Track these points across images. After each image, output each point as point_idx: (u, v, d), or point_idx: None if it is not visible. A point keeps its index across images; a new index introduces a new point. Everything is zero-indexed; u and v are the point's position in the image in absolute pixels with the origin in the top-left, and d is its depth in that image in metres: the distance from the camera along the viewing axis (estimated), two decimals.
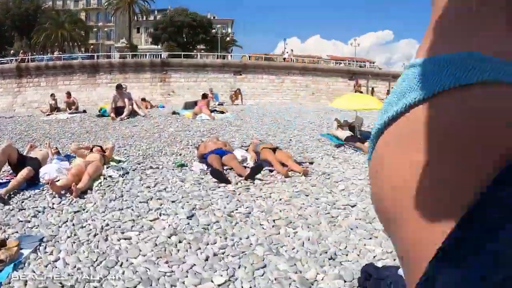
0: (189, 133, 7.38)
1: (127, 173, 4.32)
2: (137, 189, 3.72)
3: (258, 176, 4.12)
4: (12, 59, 22.58)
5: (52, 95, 12.53)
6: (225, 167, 4.45)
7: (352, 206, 3.35)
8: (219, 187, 3.82)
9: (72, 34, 38.03)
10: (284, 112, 11.65)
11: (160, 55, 26.48)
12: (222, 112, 10.53)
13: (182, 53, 25.05)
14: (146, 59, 21.63)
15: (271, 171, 4.39)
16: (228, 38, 42.92)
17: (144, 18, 43.28)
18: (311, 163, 5.10)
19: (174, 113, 10.05)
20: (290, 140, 6.86)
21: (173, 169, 4.55)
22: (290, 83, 21.58)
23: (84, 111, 11.37)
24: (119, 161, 4.91)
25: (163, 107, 12.44)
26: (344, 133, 6.72)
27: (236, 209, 3.20)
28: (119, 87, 9.97)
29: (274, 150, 5.07)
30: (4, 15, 36.68)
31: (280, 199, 3.48)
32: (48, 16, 38.38)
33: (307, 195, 3.60)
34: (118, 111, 9.36)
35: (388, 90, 22.37)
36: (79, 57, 23.12)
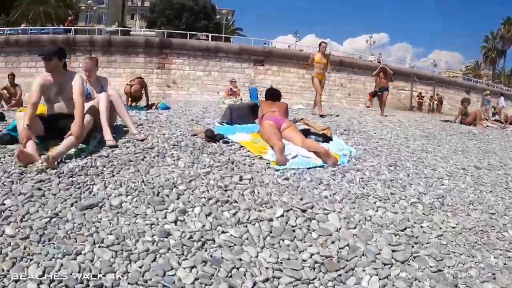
0: None
1: None
2: None
3: None
4: None
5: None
6: None
7: None
8: None
9: (58, 12, 32.43)
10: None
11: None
12: (327, 139, 3.68)
13: (188, 32, 19.12)
14: (140, 37, 16.36)
15: None
16: (230, 28, 37.99)
17: (140, 4, 39.32)
18: None
19: (210, 137, 3.24)
20: None
21: None
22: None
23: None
24: None
25: (168, 108, 6.01)
26: None
27: None
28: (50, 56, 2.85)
29: None
30: None
31: None
32: None
33: None
34: (53, 131, 2.77)
35: (431, 96, 18.27)
36: (52, 31, 18.10)
